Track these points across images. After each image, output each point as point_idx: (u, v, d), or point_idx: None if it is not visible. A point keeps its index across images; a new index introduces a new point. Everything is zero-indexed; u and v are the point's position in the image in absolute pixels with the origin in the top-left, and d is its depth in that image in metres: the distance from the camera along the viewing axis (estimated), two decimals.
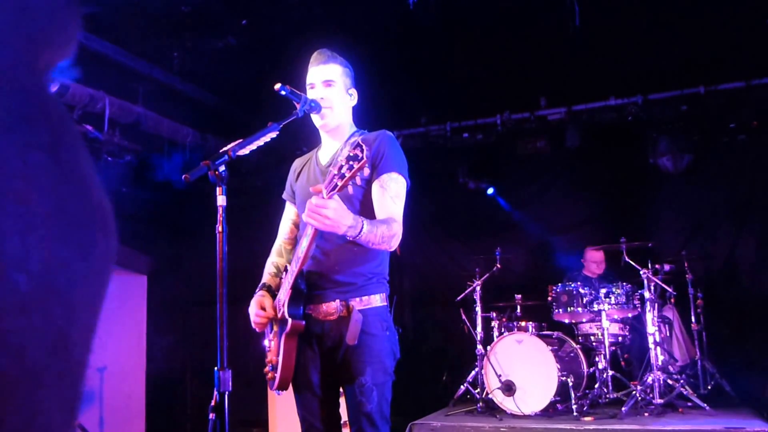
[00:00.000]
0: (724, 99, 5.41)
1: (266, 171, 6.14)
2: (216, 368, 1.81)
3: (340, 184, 1.89)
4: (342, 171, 1.89)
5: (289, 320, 2.16)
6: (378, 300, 2.24)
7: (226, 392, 1.81)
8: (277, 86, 2.22)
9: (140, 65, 4.77)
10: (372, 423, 2.13)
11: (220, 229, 1.89)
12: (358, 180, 1.96)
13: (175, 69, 4.93)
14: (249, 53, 4.65)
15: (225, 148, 1.95)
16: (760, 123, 5.49)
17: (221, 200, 1.90)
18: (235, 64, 4.81)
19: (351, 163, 1.87)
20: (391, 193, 2.20)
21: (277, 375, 2.20)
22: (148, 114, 5.17)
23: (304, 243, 2.12)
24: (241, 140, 2.06)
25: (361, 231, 2.00)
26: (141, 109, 5.11)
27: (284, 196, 2.56)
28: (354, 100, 2.41)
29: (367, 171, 2.09)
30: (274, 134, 2.34)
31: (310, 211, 1.92)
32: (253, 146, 2.07)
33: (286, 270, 2.32)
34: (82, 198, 0.52)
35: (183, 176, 1.85)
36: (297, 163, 2.55)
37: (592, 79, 5.46)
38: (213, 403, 1.79)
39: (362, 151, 1.87)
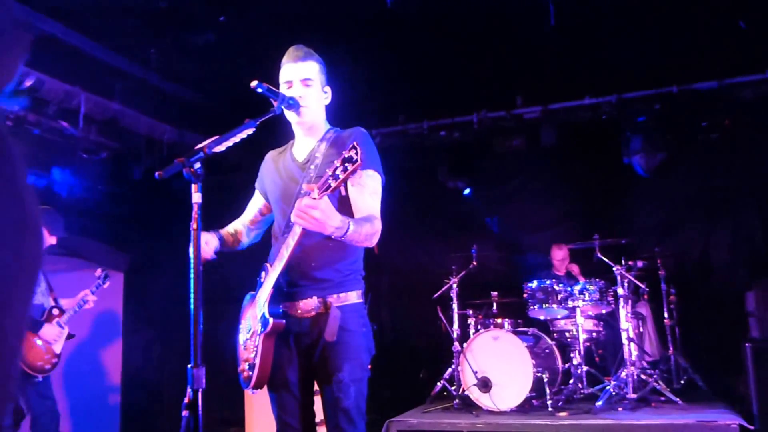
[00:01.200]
0: (697, 98, 5.51)
1: (244, 168, 6.10)
2: (189, 366, 1.80)
3: (333, 185, 1.92)
4: (336, 172, 1.91)
5: (271, 319, 2.16)
6: (355, 296, 2.26)
7: (200, 390, 1.80)
8: (254, 84, 2.22)
9: (117, 61, 4.71)
10: (350, 419, 2.15)
11: (195, 226, 1.88)
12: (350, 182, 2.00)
13: (152, 65, 4.88)
14: (227, 49, 4.62)
15: (200, 145, 1.95)
16: (732, 122, 5.60)
17: (196, 197, 1.89)
18: (214, 60, 4.78)
19: (346, 164, 1.89)
20: (369, 191, 2.22)
21: (254, 374, 2.19)
22: (125, 110, 5.12)
23: (290, 242, 2.12)
24: (217, 137, 2.05)
25: (347, 231, 2.02)
26: (118, 106, 5.06)
27: (256, 185, 2.58)
28: (328, 98, 2.42)
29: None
30: (250, 131, 2.34)
31: (299, 211, 1.93)
32: (229, 143, 2.07)
33: (264, 269, 2.31)
34: (18, 208, 0.57)
35: (157, 173, 1.84)
36: (271, 156, 2.54)
37: (567, 79, 5.52)
38: (186, 400, 1.78)
39: (357, 153, 1.90)
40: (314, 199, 1.92)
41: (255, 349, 2.21)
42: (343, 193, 2.23)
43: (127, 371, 6.07)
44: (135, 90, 5.01)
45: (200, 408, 1.79)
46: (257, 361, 2.19)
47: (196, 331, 1.82)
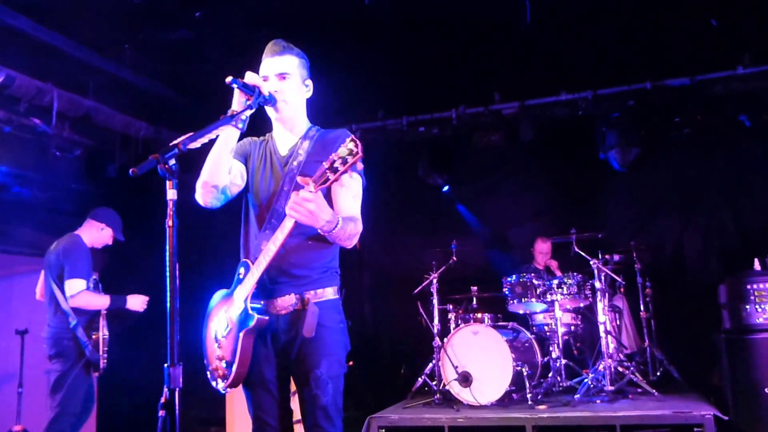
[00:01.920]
0: (670, 94, 5.60)
1: None
2: (166, 365, 1.77)
3: (331, 178, 1.92)
4: (335, 165, 1.91)
5: (255, 315, 2.13)
6: (331, 293, 2.25)
7: (177, 389, 1.77)
8: (229, 79, 2.19)
9: (91, 57, 4.64)
10: (327, 416, 2.14)
11: (170, 223, 1.83)
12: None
13: (127, 61, 4.81)
14: (203, 45, 4.57)
15: (175, 141, 1.91)
16: (703, 117, 5.70)
17: (171, 194, 1.84)
18: (189, 56, 4.73)
19: (346, 157, 1.90)
20: (353, 192, 2.22)
21: (233, 372, 2.16)
22: (99, 107, 5.04)
23: (279, 236, 2.09)
24: (192, 133, 2.02)
25: (335, 227, 2.03)
26: (91, 103, 4.98)
27: (235, 154, 2.37)
28: (310, 91, 2.39)
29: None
30: (226, 127, 2.32)
31: (295, 204, 1.94)
32: (205, 139, 2.04)
33: (245, 265, 2.26)
34: None
35: (131, 170, 1.81)
36: (250, 145, 2.44)
37: (544, 75, 5.58)
38: (163, 400, 1.74)
39: (357, 146, 1.90)
40: (310, 192, 1.93)
41: (233, 347, 2.18)
42: (335, 190, 2.23)
43: (103, 374, 5.98)
44: (109, 86, 4.94)
45: (177, 407, 1.76)
46: (236, 359, 2.16)
47: (172, 329, 1.79)
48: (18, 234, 5.48)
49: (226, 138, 2.25)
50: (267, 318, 2.17)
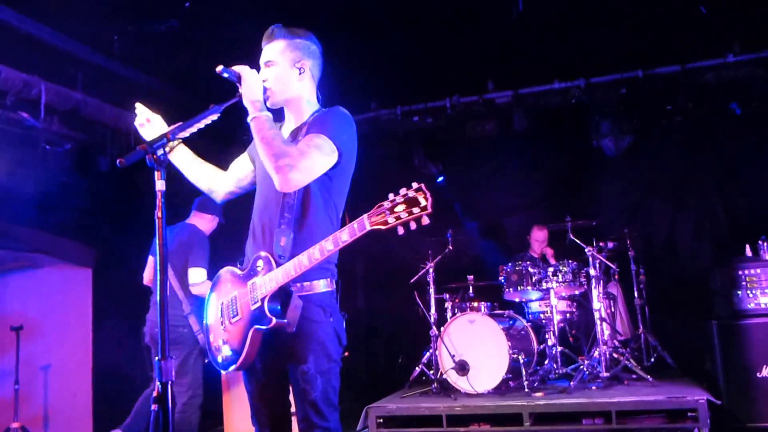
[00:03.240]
0: (661, 82, 5.60)
1: (213, 156, 6.01)
2: (157, 358, 1.75)
3: (391, 222, 1.86)
4: (397, 210, 1.85)
5: (274, 320, 2.08)
6: (321, 286, 2.17)
7: (169, 382, 1.74)
8: (219, 68, 2.16)
9: (79, 49, 4.57)
10: (317, 411, 2.10)
11: (159, 214, 1.80)
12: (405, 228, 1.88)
13: (116, 53, 4.75)
14: (192, 36, 4.52)
15: (164, 131, 1.90)
16: (694, 105, 5.70)
17: (160, 185, 1.81)
18: (179, 47, 4.67)
19: (412, 209, 1.83)
20: (308, 142, 2.09)
21: (238, 361, 2.15)
22: (88, 100, 4.97)
23: (304, 262, 2.04)
24: (180, 123, 2.00)
25: (256, 117, 2.07)
26: (80, 95, 4.91)
27: (248, 150, 2.44)
28: (305, 72, 2.28)
29: (425, 220, 1.89)
30: (215, 117, 2.28)
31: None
32: (194, 129, 2.01)
33: (265, 259, 2.18)
34: None
35: (118, 160, 1.78)
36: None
37: (537, 63, 5.55)
38: (155, 393, 1.72)
39: (426, 197, 1.83)
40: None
41: (241, 337, 2.15)
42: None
43: (98, 367, 5.96)
44: (98, 78, 4.88)
45: (169, 401, 1.74)
46: (244, 351, 2.13)
47: (163, 322, 1.77)
48: (9, 229, 5.44)
49: (177, 157, 2.39)
50: (285, 322, 2.09)
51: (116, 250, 5.96)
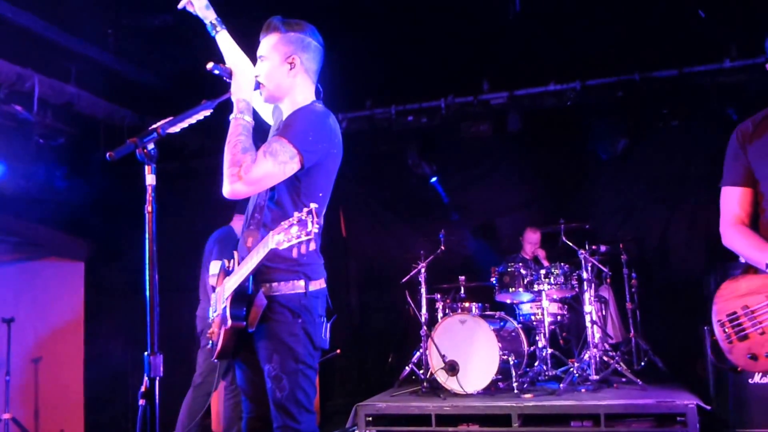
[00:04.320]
0: (658, 86, 5.61)
1: (206, 153, 6.00)
2: (146, 353, 1.74)
3: (282, 242, 1.85)
4: (291, 232, 1.83)
5: (230, 321, 2.10)
6: (290, 286, 2.15)
7: (157, 378, 1.74)
8: (210, 65, 2.17)
9: (73, 43, 4.54)
10: (286, 411, 2.09)
11: (149, 209, 1.80)
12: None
13: (110, 47, 4.73)
14: (187, 31, 4.49)
15: (154, 126, 1.88)
16: (691, 109, 5.71)
17: (150, 179, 1.82)
18: (173, 42, 4.65)
19: (300, 233, 1.81)
20: (266, 148, 2.08)
21: (216, 350, 2.23)
22: (81, 94, 4.95)
23: (255, 259, 2.05)
24: (171, 118, 1.99)
25: (236, 115, 2.10)
26: (74, 89, 4.89)
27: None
28: (296, 67, 2.25)
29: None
30: (207, 112, 2.27)
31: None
32: (185, 124, 2.00)
33: (232, 258, 2.25)
34: None
35: (108, 154, 1.78)
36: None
37: (532, 65, 5.56)
38: (143, 389, 1.72)
39: (312, 221, 1.79)
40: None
41: (219, 330, 2.22)
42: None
43: (89, 359, 5.95)
44: (92, 73, 4.86)
45: (157, 396, 1.74)
46: (219, 342, 2.20)
47: (152, 317, 1.76)
48: (1, 222, 5.42)
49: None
50: (243, 324, 2.12)
51: (109, 244, 5.96)
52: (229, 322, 2.11)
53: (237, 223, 4.55)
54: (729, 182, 2.21)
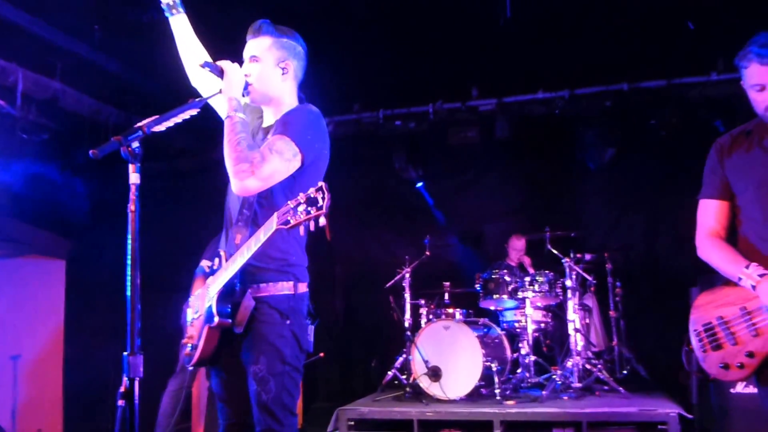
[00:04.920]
0: (646, 96, 5.65)
1: (191, 153, 5.96)
2: (125, 353, 1.73)
3: (292, 222, 1.85)
4: (298, 210, 1.83)
5: (217, 318, 2.10)
6: (279, 288, 2.16)
7: (137, 378, 1.73)
8: (201, 63, 2.18)
9: (58, 38, 4.49)
10: (271, 413, 2.08)
11: (132, 208, 1.79)
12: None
13: (96, 43, 4.68)
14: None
15: (139, 124, 1.87)
16: (678, 121, 5.76)
17: (134, 178, 1.80)
18: (161, 39, 4.61)
19: (309, 208, 1.81)
20: (271, 146, 2.09)
21: (196, 355, 2.20)
22: (66, 90, 4.91)
23: (261, 237, 2.02)
24: (157, 116, 1.97)
25: (232, 114, 2.09)
26: (59, 85, 4.84)
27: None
28: (289, 73, 2.28)
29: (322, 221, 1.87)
30: (194, 111, 2.25)
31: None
32: (170, 123, 1.98)
33: (219, 256, 2.24)
34: None
35: (91, 151, 1.75)
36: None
37: (522, 72, 5.58)
38: (122, 389, 1.70)
39: (324, 198, 1.79)
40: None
41: (199, 333, 2.20)
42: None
43: (69, 358, 5.88)
44: (77, 69, 4.80)
45: (137, 397, 1.72)
46: (200, 345, 2.17)
47: (133, 317, 1.75)
48: None
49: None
50: (229, 321, 2.12)
51: (91, 242, 5.88)
52: (216, 320, 2.10)
53: None
54: (706, 195, 2.26)
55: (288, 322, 2.14)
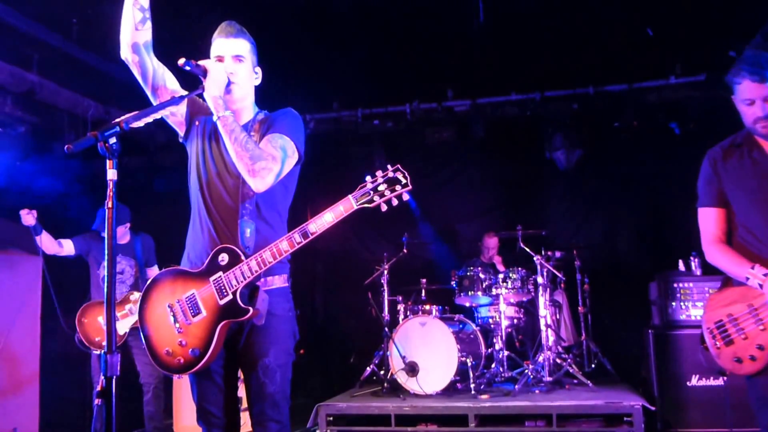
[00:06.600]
0: (610, 100, 5.81)
1: (173, 149, 5.94)
2: (103, 351, 1.71)
3: (377, 201, 2.07)
4: (379, 188, 2.07)
5: (251, 309, 2.07)
6: (280, 280, 2.22)
7: (114, 377, 1.70)
8: (181, 61, 2.15)
9: (35, 29, 4.44)
10: (275, 404, 2.13)
11: (110, 204, 1.75)
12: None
13: (74, 36, 4.64)
14: (153, 23, 4.46)
15: (117, 119, 1.86)
16: (639, 123, 5.92)
17: (111, 174, 1.76)
18: None
19: (395, 186, 2.05)
20: (275, 144, 2.15)
21: (202, 362, 2.10)
22: (43, 83, 4.86)
23: (284, 246, 2.09)
24: (137, 112, 1.97)
25: (223, 115, 2.11)
26: (36, 78, 4.79)
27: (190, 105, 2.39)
28: (259, 78, 2.37)
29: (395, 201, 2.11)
30: (174, 108, 2.30)
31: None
32: (149, 119, 1.98)
33: (229, 252, 2.15)
34: None
35: (66, 146, 1.72)
36: (199, 109, 2.38)
37: (495, 74, 5.68)
38: (99, 388, 1.68)
39: (405, 177, 2.06)
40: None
41: (206, 335, 2.10)
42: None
43: (45, 355, 5.81)
44: (55, 62, 4.76)
45: (114, 396, 1.69)
46: (211, 349, 2.08)
47: (110, 315, 1.72)
48: None
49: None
50: (260, 311, 2.10)
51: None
52: (251, 311, 2.07)
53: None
54: (705, 204, 2.40)
55: (291, 314, 2.22)
